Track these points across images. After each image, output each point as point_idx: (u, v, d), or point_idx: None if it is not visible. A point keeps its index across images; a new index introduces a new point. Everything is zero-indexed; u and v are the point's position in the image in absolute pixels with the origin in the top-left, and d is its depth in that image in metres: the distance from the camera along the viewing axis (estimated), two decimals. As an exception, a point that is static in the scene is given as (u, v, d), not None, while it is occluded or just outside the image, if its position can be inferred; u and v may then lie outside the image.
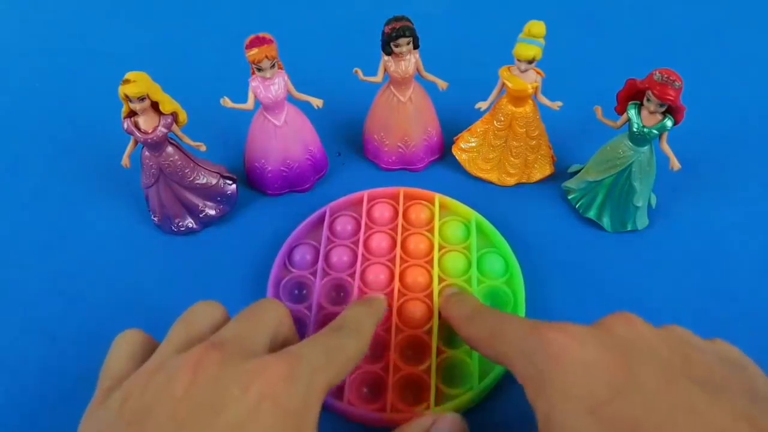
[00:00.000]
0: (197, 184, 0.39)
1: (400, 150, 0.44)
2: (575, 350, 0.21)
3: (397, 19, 0.38)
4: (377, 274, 0.37)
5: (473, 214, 0.39)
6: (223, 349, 0.22)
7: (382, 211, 0.40)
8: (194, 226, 0.41)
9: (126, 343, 0.25)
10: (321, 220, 0.40)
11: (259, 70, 0.37)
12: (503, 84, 0.39)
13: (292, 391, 0.21)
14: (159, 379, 0.21)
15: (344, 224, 0.39)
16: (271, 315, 0.25)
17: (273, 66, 0.37)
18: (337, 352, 0.25)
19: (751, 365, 0.22)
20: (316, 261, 0.37)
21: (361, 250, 0.37)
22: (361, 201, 0.40)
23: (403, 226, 0.39)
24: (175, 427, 0.20)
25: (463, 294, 0.34)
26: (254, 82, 0.38)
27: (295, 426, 0.20)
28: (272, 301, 0.27)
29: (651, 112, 0.35)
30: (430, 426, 0.25)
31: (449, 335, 0.34)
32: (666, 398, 0.19)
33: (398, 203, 0.40)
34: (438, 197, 0.40)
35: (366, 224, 0.39)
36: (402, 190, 0.41)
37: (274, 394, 0.20)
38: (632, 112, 0.36)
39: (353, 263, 0.37)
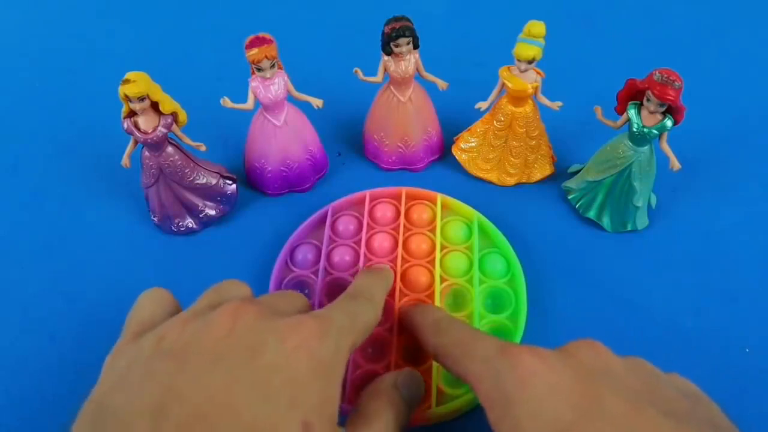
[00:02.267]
0: (197, 184, 0.39)
1: (400, 150, 0.44)
2: (544, 374, 0.21)
3: (397, 19, 0.38)
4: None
5: (475, 215, 0.39)
6: (260, 305, 0.23)
7: (384, 211, 0.40)
8: (194, 226, 0.41)
9: (152, 296, 0.26)
10: (323, 219, 0.40)
11: (259, 70, 0.37)
12: (503, 84, 0.39)
13: (324, 346, 0.22)
14: (197, 324, 0.22)
15: (346, 224, 0.39)
16: (296, 296, 0.28)
17: (273, 66, 0.37)
18: (358, 319, 0.26)
19: (708, 400, 0.23)
20: (317, 260, 0.37)
21: (363, 249, 0.37)
22: (363, 201, 0.40)
23: (405, 226, 0.39)
24: (215, 362, 0.21)
25: (428, 305, 0.33)
26: (254, 82, 0.38)
27: (326, 376, 0.22)
28: (295, 292, 0.29)
29: (651, 112, 0.35)
30: (396, 381, 0.27)
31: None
32: (631, 424, 0.19)
33: (400, 203, 0.40)
34: (440, 197, 0.40)
35: (368, 224, 0.39)
36: (404, 190, 0.41)
37: (309, 347, 0.22)
38: (632, 112, 0.36)
39: (355, 263, 0.37)
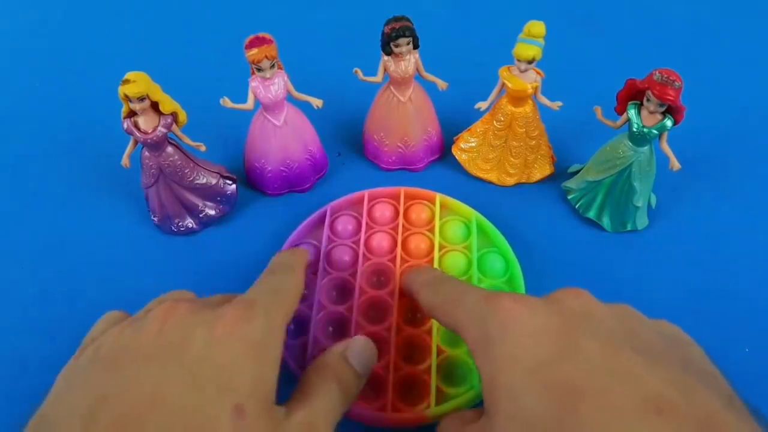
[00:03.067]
0: (197, 184, 0.39)
1: (400, 150, 0.44)
2: (524, 317, 0.22)
3: (396, 19, 0.38)
4: (378, 274, 0.37)
5: (474, 214, 0.39)
6: (191, 302, 0.24)
7: (382, 211, 0.40)
8: (194, 226, 0.41)
9: (106, 317, 0.27)
10: (322, 219, 0.40)
11: (259, 70, 0.37)
12: (503, 84, 0.39)
13: (252, 327, 0.23)
14: (130, 329, 0.23)
15: (345, 224, 0.39)
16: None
17: (273, 66, 0.37)
18: (281, 290, 0.27)
19: (690, 341, 0.23)
20: (317, 260, 0.37)
21: (362, 249, 0.37)
22: (361, 200, 0.40)
23: (403, 225, 0.39)
24: (144, 364, 0.21)
25: (424, 266, 0.34)
26: (254, 82, 0.38)
27: (258, 357, 0.22)
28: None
29: (651, 112, 0.35)
30: (344, 351, 0.27)
31: (450, 335, 0.34)
32: (606, 364, 0.20)
33: (399, 203, 0.40)
34: (439, 197, 0.40)
35: (367, 224, 0.39)
36: (403, 190, 0.41)
37: (238, 331, 0.22)
38: (632, 112, 0.36)
39: (354, 263, 0.37)
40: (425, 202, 0.41)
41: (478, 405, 0.32)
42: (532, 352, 0.21)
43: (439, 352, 0.32)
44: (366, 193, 0.41)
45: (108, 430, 0.19)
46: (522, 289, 0.36)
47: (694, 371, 0.20)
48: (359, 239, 0.38)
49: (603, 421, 0.18)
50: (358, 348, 0.28)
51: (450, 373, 0.32)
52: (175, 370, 0.21)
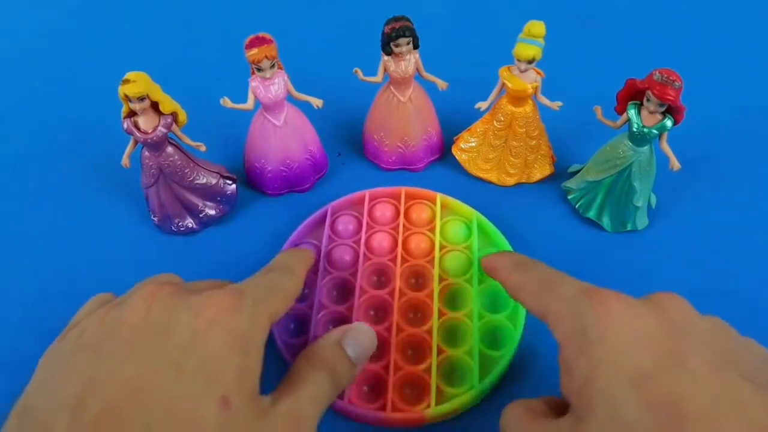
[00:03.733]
0: (197, 184, 0.39)
1: (400, 150, 0.44)
2: (629, 319, 0.21)
3: (396, 19, 0.38)
4: (379, 274, 0.37)
5: (474, 214, 0.39)
6: (176, 286, 0.24)
7: (383, 211, 0.40)
8: (194, 226, 0.41)
9: (94, 299, 0.26)
10: (322, 219, 0.40)
11: (259, 70, 0.37)
12: (503, 84, 0.39)
13: (238, 318, 0.23)
14: (115, 313, 0.23)
15: (346, 223, 0.39)
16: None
17: (273, 66, 0.37)
18: (275, 288, 0.26)
19: None
20: (318, 260, 0.37)
21: (362, 249, 0.37)
22: (362, 200, 0.40)
23: (404, 225, 0.39)
24: (129, 350, 0.21)
25: (507, 250, 0.34)
26: (254, 82, 0.38)
27: (241, 349, 0.22)
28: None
29: (651, 112, 0.35)
30: (341, 337, 0.27)
31: (450, 334, 0.34)
32: (713, 385, 0.19)
33: (400, 203, 0.40)
34: (439, 197, 0.40)
35: (367, 224, 0.39)
36: (403, 190, 0.41)
37: (223, 320, 0.22)
38: (632, 112, 0.36)
39: (355, 262, 0.37)
40: (426, 202, 0.41)
41: (477, 405, 0.32)
42: (637, 361, 0.20)
43: (439, 351, 0.32)
44: (367, 193, 0.41)
45: (95, 420, 0.19)
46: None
47: None
48: (360, 239, 0.38)
49: None
50: (355, 335, 0.27)
51: (450, 373, 0.32)
52: (160, 358, 0.21)
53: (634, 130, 0.36)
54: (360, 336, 0.27)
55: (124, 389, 0.20)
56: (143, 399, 0.20)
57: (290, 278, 0.28)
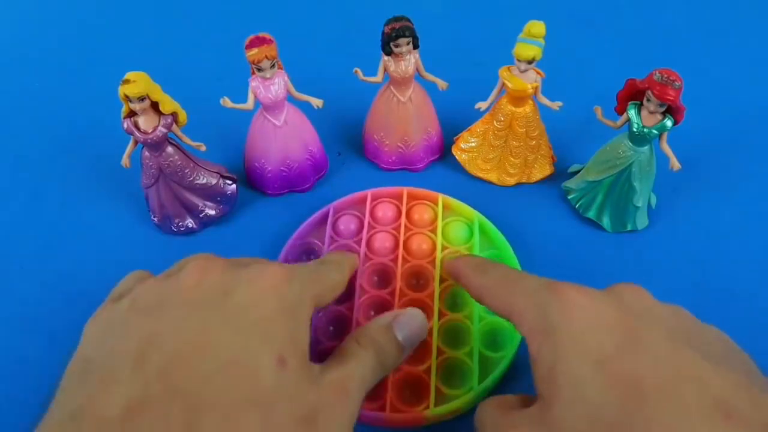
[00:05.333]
0: (197, 184, 0.39)
1: (400, 150, 0.44)
2: (589, 306, 0.22)
3: (396, 19, 0.38)
4: (379, 274, 0.37)
5: (476, 215, 0.39)
6: (226, 259, 0.25)
7: (385, 211, 0.40)
8: (194, 226, 0.41)
9: (132, 275, 0.27)
10: (324, 218, 0.40)
11: (259, 70, 0.37)
12: (503, 84, 0.39)
13: (289, 288, 0.23)
14: (169, 281, 0.24)
15: (347, 223, 0.39)
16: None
17: (273, 66, 0.37)
18: (323, 277, 0.27)
19: (741, 350, 0.23)
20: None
21: (363, 249, 0.37)
22: (364, 200, 0.40)
23: (406, 226, 0.39)
24: (188, 310, 0.22)
25: (467, 254, 0.35)
26: (254, 82, 0.38)
27: (293, 316, 0.23)
28: None
29: (651, 112, 0.35)
30: (392, 321, 0.27)
31: (450, 336, 0.34)
32: (672, 362, 0.20)
33: (401, 203, 0.40)
34: (441, 198, 0.40)
35: (369, 224, 0.39)
36: (405, 190, 0.41)
37: (276, 288, 0.23)
38: (632, 112, 0.36)
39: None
40: (428, 202, 0.41)
41: (477, 406, 0.32)
42: (597, 344, 0.21)
43: (439, 352, 0.32)
44: (369, 193, 0.40)
45: (158, 371, 0.19)
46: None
47: (755, 378, 0.20)
48: (361, 239, 0.38)
49: (670, 421, 0.18)
50: (406, 320, 0.27)
51: (450, 374, 0.32)
52: (218, 317, 0.21)
53: (634, 130, 0.36)
54: (410, 320, 0.28)
55: (184, 343, 0.20)
56: (204, 352, 0.20)
57: (338, 272, 0.29)
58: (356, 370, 0.24)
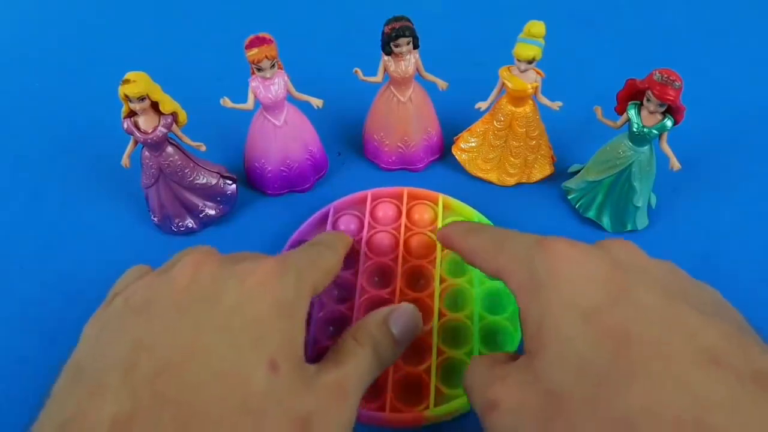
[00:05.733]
0: (197, 184, 0.39)
1: (400, 150, 0.44)
2: (577, 260, 0.22)
3: (396, 19, 0.38)
4: (379, 273, 0.37)
5: (476, 215, 0.39)
6: (220, 255, 0.25)
7: (385, 211, 0.40)
8: (194, 226, 0.41)
9: (131, 271, 0.27)
10: (324, 218, 0.40)
11: (259, 70, 0.37)
12: (503, 84, 0.39)
13: (283, 285, 0.23)
14: (161, 279, 0.23)
15: (347, 223, 0.39)
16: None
17: (273, 66, 0.37)
18: (318, 261, 0.27)
19: (734, 308, 0.23)
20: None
21: (363, 249, 0.37)
22: (364, 200, 0.40)
23: (406, 226, 0.39)
24: (179, 314, 0.21)
25: (460, 220, 0.35)
26: (254, 82, 0.38)
27: (288, 314, 0.22)
28: None
29: (651, 112, 0.35)
30: (387, 315, 0.27)
31: (451, 335, 0.34)
32: (660, 313, 0.20)
33: (402, 203, 0.40)
34: (441, 198, 0.40)
35: (369, 223, 0.39)
36: (406, 190, 0.41)
37: (268, 286, 0.22)
38: (632, 112, 0.36)
39: (356, 262, 0.37)
40: (428, 202, 0.41)
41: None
42: (585, 297, 0.20)
43: (439, 352, 0.32)
44: (369, 193, 0.41)
45: (147, 380, 0.19)
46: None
47: (746, 331, 0.20)
48: (361, 238, 0.38)
49: (657, 368, 0.18)
50: (400, 314, 0.27)
51: (450, 374, 0.32)
52: (209, 320, 0.21)
53: (634, 130, 0.36)
54: (404, 315, 0.27)
55: (175, 350, 0.20)
56: (195, 360, 0.20)
57: (332, 254, 0.28)
58: (354, 369, 0.23)
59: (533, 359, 0.21)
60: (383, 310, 0.27)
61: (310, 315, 0.26)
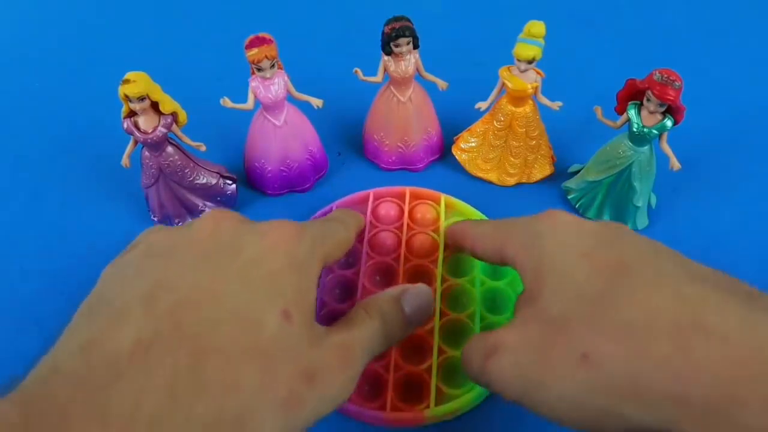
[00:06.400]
0: (197, 184, 0.39)
1: (400, 150, 0.44)
2: (574, 222, 0.24)
3: (396, 19, 0.38)
4: (381, 273, 0.37)
5: (478, 215, 0.39)
6: (240, 215, 0.26)
7: (387, 210, 0.40)
8: (194, 226, 0.41)
9: (153, 227, 0.27)
10: (324, 218, 0.40)
11: (259, 70, 0.37)
12: (503, 84, 0.39)
13: (299, 245, 0.24)
14: (183, 230, 0.24)
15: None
16: None
17: (273, 66, 0.37)
18: (331, 233, 0.28)
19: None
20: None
21: (365, 248, 0.37)
22: (366, 199, 0.40)
23: (408, 225, 0.39)
24: (199, 259, 0.22)
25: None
26: (254, 82, 0.38)
27: (301, 272, 0.23)
28: None
29: (651, 112, 0.35)
30: (400, 294, 0.27)
31: (452, 335, 0.34)
32: (652, 248, 0.22)
33: (404, 203, 0.40)
34: (444, 197, 0.40)
35: (371, 223, 0.39)
36: (408, 190, 0.41)
37: (286, 244, 0.23)
38: (632, 112, 0.36)
39: (357, 261, 0.37)
40: (430, 202, 0.41)
41: (477, 406, 0.32)
42: (581, 242, 0.22)
43: (440, 352, 0.32)
44: (371, 193, 0.40)
45: (167, 313, 0.20)
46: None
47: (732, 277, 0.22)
48: (363, 238, 0.38)
49: (652, 282, 0.20)
50: (415, 294, 0.28)
51: (450, 373, 0.32)
52: (228, 268, 0.22)
53: (634, 130, 0.36)
54: (418, 296, 0.28)
55: (194, 289, 0.21)
56: (212, 299, 0.21)
57: (345, 229, 0.29)
58: (362, 335, 0.24)
59: (532, 301, 0.22)
60: (397, 288, 0.28)
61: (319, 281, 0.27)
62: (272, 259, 0.23)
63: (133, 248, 0.25)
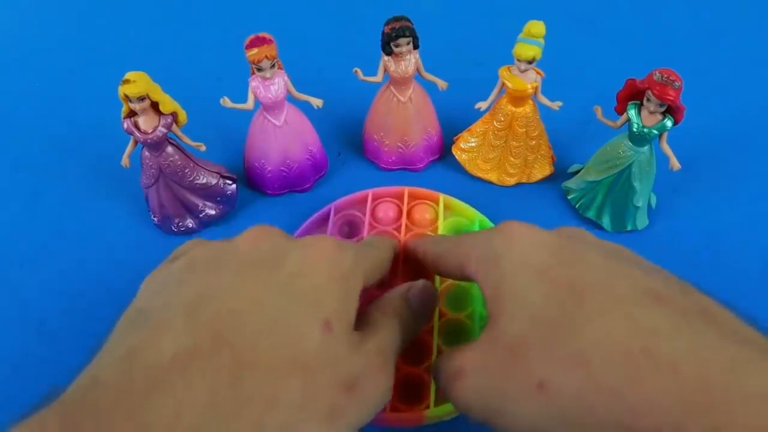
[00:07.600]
0: (197, 184, 0.39)
1: (400, 150, 0.44)
2: (530, 234, 0.24)
3: (396, 19, 0.38)
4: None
5: (477, 215, 0.39)
6: (281, 230, 0.26)
7: (386, 210, 0.40)
8: (194, 226, 0.41)
9: (189, 241, 0.27)
10: (325, 218, 0.40)
11: (259, 70, 0.37)
12: (503, 84, 0.39)
13: (342, 258, 0.24)
14: (225, 244, 0.25)
15: (348, 223, 0.39)
16: None
17: (273, 66, 0.37)
18: (371, 254, 0.28)
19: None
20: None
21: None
22: (365, 200, 0.40)
23: (407, 225, 0.39)
24: (243, 271, 0.22)
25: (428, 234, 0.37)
26: (254, 82, 0.38)
27: (344, 285, 0.23)
28: None
29: (651, 112, 0.35)
30: (406, 291, 0.28)
31: (451, 335, 0.34)
32: (606, 268, 0.22)
33: (403, 203, 0.40)
34: (442, 197, 0.40)
35: (370, 223, 0.39)
36: (407, 190, 0.41)
37: (329, 257, 0.23)
38: (632, 112, 0.36)
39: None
40: (429, 202, 0.41)
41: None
42: (538, 259, 0.22)
43: (440, 352, 0.32)
44: (370, 193, 0.40)
45: (209, 324, 0.20)
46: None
47: (688, 287, 0.22)
48: (362, 238, 0.38)
49: (606, 308, 0.20)
50: (417, 289, 0.28)
51: (450, 373, 0.32)
52: (271, 280, 0.22)
53: (634, 130, 0.36)
54: (422, 290, 0.28)
55: (236, 300, 0.21)
56: (254, 311, 0.21)
57: (379, 252, 0.29)
58: (388, 336, 0.24)
59: (494, 323, 0.22)
60: (402, 287, 0.28)
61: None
62: (315, 272, 0.23)
63: (174, 260, 0.25)
